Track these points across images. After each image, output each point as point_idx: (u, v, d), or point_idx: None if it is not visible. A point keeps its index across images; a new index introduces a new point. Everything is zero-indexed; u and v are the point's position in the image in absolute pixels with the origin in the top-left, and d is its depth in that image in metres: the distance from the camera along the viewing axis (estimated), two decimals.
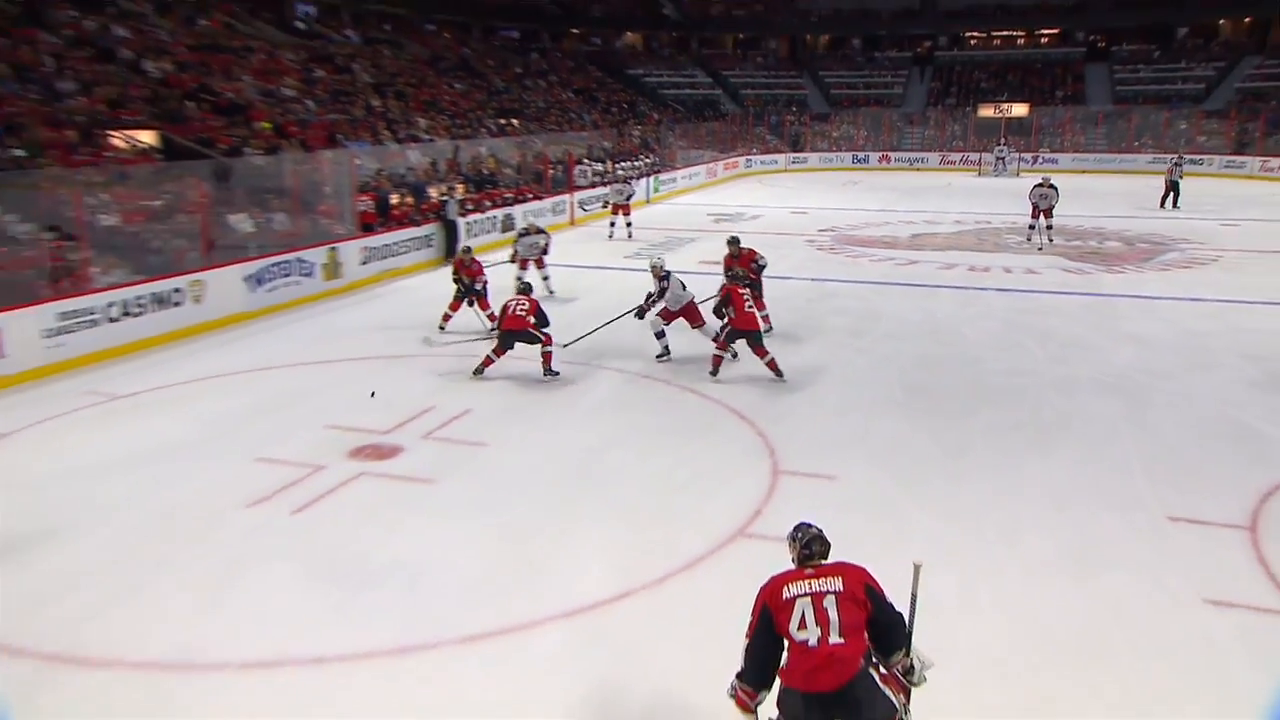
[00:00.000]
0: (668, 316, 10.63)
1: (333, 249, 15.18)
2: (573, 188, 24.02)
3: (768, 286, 12.15)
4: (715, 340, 10.15)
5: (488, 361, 10.04)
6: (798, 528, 3.97)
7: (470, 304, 12.16)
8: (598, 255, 18.48)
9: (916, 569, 3.91)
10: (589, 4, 48.44)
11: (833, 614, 3.58)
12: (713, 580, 6.05)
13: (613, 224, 20.72)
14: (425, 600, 5.85)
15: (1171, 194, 25.08)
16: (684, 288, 10.68)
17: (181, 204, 14.83)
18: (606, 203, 22.07)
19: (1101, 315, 13.29)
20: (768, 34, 50.86)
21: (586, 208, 23.68)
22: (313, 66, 27.33)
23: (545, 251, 14.46)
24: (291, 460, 7.94)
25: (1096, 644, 5.36)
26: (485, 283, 12.21)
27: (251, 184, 16.62)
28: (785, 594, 3.67)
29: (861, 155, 39.95)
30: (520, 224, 19.21)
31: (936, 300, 14.35)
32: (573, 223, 22.60)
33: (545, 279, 14.38)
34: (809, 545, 3.84)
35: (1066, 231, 19.83)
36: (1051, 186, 18.82)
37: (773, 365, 9.82)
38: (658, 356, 10.76)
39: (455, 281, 12.15)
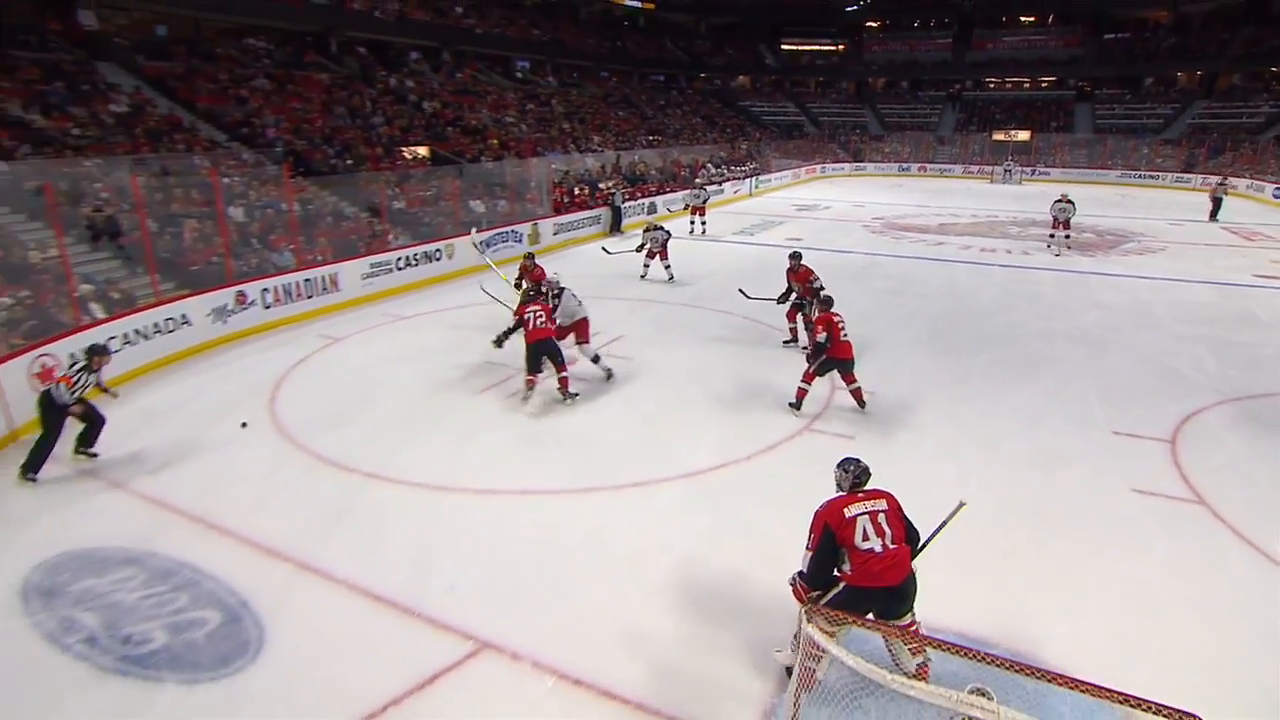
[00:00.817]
0: (559, 333, 7.48)
1: (535, 224, 15.30)
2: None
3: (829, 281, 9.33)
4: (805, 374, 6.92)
5: (529, 383, 7.02)
6: (847, 460, 3.55)
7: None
8: (712, 232, 17.87)
9: (961, 506, 3.56)
10: (712, 56, 47.00)
11: (886, 527, 3.32)
12: (786, 459, 6.01)
13: (692, 223, 17.44)
14: (590, 460, 6.01)
15: (1215, 208, 20.26)
16: (579, 304, 7.76)
17: (442, 194, 15.24)
18: (686, 205, 18.28)
19: (1076, 287, 12.22)
20: (840, 77, 48.08)
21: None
22: (526, 102, 27.35)
23: (666, 245, 12.39)
24: (505, 363, 8.16)
25: (1052, 516, 5.19)
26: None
27: (485, 181, 16.97)
28: (846, 514, 3.33)
29: (905, 165, 37.40)
30: (660, 211, 18.98)
31: (955, 271, 13.45)
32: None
33: (667, 267, 12.40)
34: (859, 476, 3.48)
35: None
36: (1069, 201, 15.29)
37: (858, 394, 6.83)
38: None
39: (516, 286, 9.40)
